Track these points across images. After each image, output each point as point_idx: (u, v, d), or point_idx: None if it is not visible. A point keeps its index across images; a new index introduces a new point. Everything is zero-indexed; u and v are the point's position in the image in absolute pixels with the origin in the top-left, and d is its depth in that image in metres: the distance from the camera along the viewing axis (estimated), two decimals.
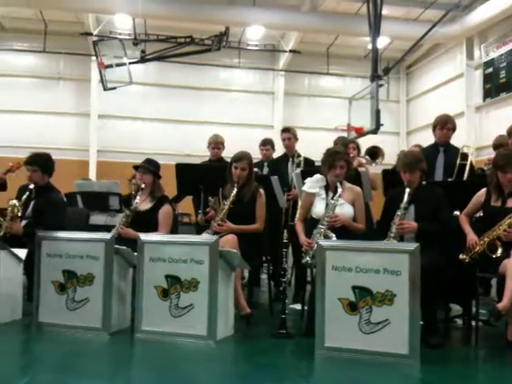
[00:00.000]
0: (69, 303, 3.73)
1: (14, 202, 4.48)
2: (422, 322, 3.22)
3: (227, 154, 5.86)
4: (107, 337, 3.58)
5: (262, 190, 4.49)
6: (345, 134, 8.57)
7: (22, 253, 4.07)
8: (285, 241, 3.91)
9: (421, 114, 14.65)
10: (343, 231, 3.85)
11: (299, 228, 4.10)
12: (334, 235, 3.77)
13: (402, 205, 3.77)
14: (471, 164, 4.83)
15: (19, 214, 4.47)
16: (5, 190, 5.61)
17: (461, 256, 3.71)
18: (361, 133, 8.86)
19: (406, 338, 3.04)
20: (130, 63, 10.75)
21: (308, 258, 3.81)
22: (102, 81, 10.72)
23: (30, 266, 3.96)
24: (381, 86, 9.05)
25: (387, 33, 11.44)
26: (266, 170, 6.02)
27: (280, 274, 3.86)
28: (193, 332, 3.47)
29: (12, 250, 4.01)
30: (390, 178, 4.41)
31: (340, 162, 4.00)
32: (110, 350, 3.46)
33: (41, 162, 4.68)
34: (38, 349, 3.50)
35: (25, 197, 4.51)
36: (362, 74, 12.34)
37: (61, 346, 3.43)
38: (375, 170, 5.53)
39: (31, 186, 4.58)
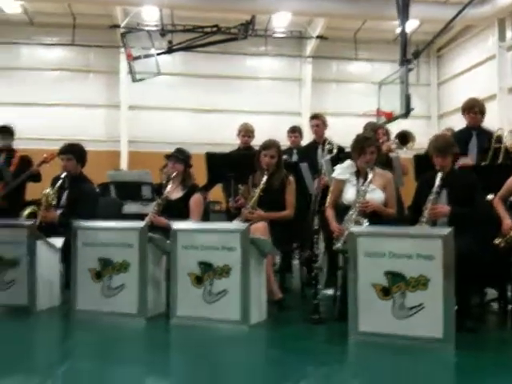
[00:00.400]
0: (105, 290, 3.82)
1: (48, 190, 4.58)
2: (456, 307, 3.20)
3: (255, 142, 5.88)
4: (143, 322, 3.66)
5: (291, 177, 4.52)
6: (374, 120, 8.50)
7: (58, 242, 4.18)
8: (316, 227, 3.91)
9: (452, 97, 14.37)
10: (374, 217, 3.84)
11: (330, 214, 4.10)
12: (365, 221, 3.76)
13: (434, 189, 3.73)
14: (506, 147, 4.76)
15: (53, 203, 4.57)
16: (39, 181, 5.75)
17: (496, 240, 3.65)
18: (391, 118, 8.75)
19: (440, 322, 3.02)
20: (158, 54, 10.83)
21: (339, 245, 3.81)
22: (131, 72, 10.83)
23: (67, 255, 4.07)
24: (410, 69, 8.90)
25: (416, 16, 11.19)
26: (295, 157, 6.02)
27: (311, 259, 3.87)
28: (226, 317, 3.53)
29: (48, 239, 4.12)
30: (422, 162, 4.37)
31: (370, 147, 3.99)
32: (146, 335, 3.54)
33: (75, 151, 4.78)
34: (76, 335, 3.60)
35: (58, 185, 4.61)
36: (391, 58, 12.14)
37: (98, 332, 3.52)
38: (406, 155, 5.47)
39: (63, 175, 4.68)
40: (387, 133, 5.71)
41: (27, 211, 4.61)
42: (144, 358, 3.04)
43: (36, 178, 5.75)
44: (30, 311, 3.88)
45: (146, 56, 10.70)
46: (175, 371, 2.78)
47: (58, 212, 4.65)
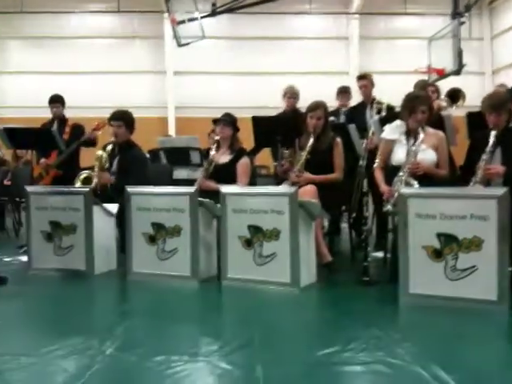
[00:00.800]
0: (159, 253, 3.94)
1: (101, 152, 4.70)
2: (511, 268, 3.14)
3: (302, 104, 5.81)
4: (196, 284, 3.77)
5: (338, 139, 4.45)
6: (425, 77, 8.23)
7: (113, 207, 4.32)
8: (364, 189, 3.88)
9: (507, 52, 13.72)
10: (425, 178, 3.76)
11: (379, 176, 4.05)
12: (416, 182, 3.70)
13: (488, 148, 3.62)
14: None
15: (107, 165, 4.69)
16: (94, 146, 5.87)
17: None
18: (442, 74, 8.46)
19: (494, 283, 2.97)
20: (202, 17, 10.76)
21: (389, 207, 3.77)
22: (176, 37, 10.83)
23: (122, 220, 4.20)
24: (462, 23, 8.52)
25: None
26: (342, 118, 5.93)
27: (361, 222, 3.85)
28: (276, 279, 3.58)
29: (104, 205, 4.26)
30: (476, 120, 4.23)
31: (421, 106, 3.87)
32: (200, 297, 3.64)
33: (125, 118, 4.87)
34: (133, 297, 3.75)
35: (109, 147, 4.72)
36: (442, 11, 11.64)
37: (154, 294, 3.64)
38: (457, 113, 5.30)
39: (113, 139, 4.79)
40: (437, 90, 5.53)
41: (82, 176, 4.77)
42: (198, 318, 3.14)
43: (90, 143, 5.86)
44: (88, 275, 4.05)
45: (190, 20, 10.66)
46: (229, 331, 2.86)
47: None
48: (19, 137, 5.36)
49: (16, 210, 7.11)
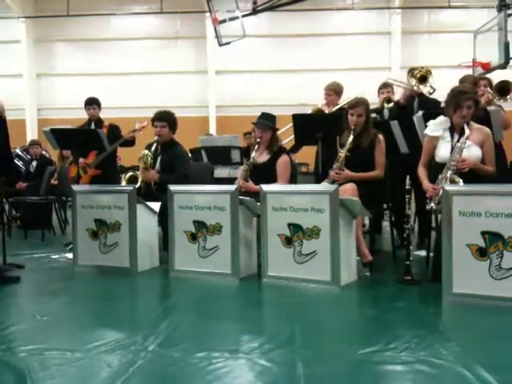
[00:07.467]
0: (200, 251, 3.99)
1: (146, 152, 4.82)
2: None
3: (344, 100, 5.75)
4: (237, 282, 3.80)
5: (381, 136, 4.39)
6: (470, 71, 8.01)
7: (155, 206, 4.39)
8: (407, 187, 3.81)
9: None
10: (471, 175, 3.67)
11: (422, 173, 3.98)
12: (461, 180, 3.61)
13: None
14: None
15: (151, 162, 4.80)
16: (133, 146, 5.99)
17: None
18: (488, 68, 8.21)
19: None
20: (243, 16, 10.79)
21: (433, 204, 3.70)
22: (217, 37, 10.90)
23: (164, 218, 4.27)
24: (510, 15, 8.24)
25: None
26: (386, 113, 5.81)
27: (403, 220, 3.80)
28: (317, 278, 3.58)
29: (147, 203, 4.33)
30: None
31: (467, 101, 3.76)
32: (241, 294, 3.66)
33: (169, 118, 4.98)
34: (175, 293, 3.78)
35: (154, 148, 4.85)
36: (488, 3, 11.31)
37: (196, 291, 3.68)
38: (508, 107, 5.13)
39: (156, 138, 4.89)
40: (490, 84, 5.31)
41: (128, 175, 4.88)
42: (239, 315, 3.16)
43: (129, 143, 5.97)
44: (132, 272, 4.13)
45: (232, 19, 10.70)
46: (269, 328, 2.86)
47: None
48: (66, 138, 5.50)
49: (62, 208, 7.35)
